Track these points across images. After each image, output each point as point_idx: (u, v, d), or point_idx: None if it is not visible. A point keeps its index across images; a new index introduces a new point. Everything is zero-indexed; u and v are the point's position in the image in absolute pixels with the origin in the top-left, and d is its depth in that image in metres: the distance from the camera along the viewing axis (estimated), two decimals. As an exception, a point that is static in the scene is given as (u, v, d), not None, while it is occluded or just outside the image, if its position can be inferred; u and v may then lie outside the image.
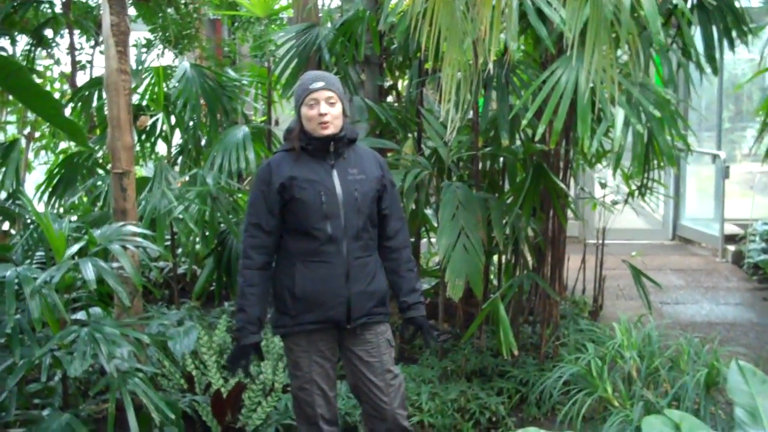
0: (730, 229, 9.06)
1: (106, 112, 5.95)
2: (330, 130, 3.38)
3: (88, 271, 3.38)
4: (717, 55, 4.70)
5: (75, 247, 3.71)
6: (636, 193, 5.65)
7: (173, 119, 5.75)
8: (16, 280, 3.39)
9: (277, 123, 6.65)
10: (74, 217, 6.26)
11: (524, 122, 3.99)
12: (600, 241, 6.33)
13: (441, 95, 3.07)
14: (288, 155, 3.45)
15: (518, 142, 5.13)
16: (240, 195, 5.63)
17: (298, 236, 3.40)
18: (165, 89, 5.71)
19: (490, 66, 3.32)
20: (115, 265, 3.78)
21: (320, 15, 5.78)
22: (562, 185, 4.76)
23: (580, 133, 3.86)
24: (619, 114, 3.93)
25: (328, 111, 3.37)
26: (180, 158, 6.16)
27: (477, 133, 4.85)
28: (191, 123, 5.81)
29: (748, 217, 8.99)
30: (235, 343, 3.50)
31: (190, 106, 5.52)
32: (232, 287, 5.59)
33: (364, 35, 5.00)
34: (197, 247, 5.56)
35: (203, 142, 6.09)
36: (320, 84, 3.40)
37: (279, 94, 6.17)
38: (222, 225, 5.53)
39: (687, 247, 9.73)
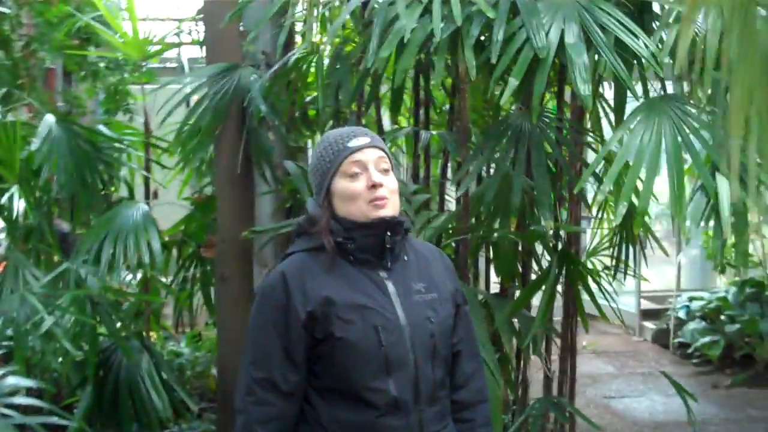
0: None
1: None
2: (389, 211, 2.05)
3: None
4: None
5: None
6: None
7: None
8: None
9: (155, 196, 5.14)
10: None
11: (600, 197, 2.80)
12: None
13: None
14: (312, 260, 2.08)
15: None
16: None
17: (339, 402, 2.02)
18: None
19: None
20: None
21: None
22: (593, 278, 3.59)
23: (674, 213, 2.74)
24: (722, 185, 2.82)
25: (384, 183, 2.05)
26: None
27: (467, 211, 3.62)
28: (47, 198, 4.26)
29: (662, 288, 8.29)
30: None
31: (59, 175, 3.97)
32: (122, 426, 4.01)
33: (321, 77, 3.65)
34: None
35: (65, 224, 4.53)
36: (365, 140, 2.08)
37: (171, 156, 4.72)
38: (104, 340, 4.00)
39: (593, 323, 8.84)
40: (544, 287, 3.42)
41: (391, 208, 2.06)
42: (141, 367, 4.00)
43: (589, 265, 3.94)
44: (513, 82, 2.76)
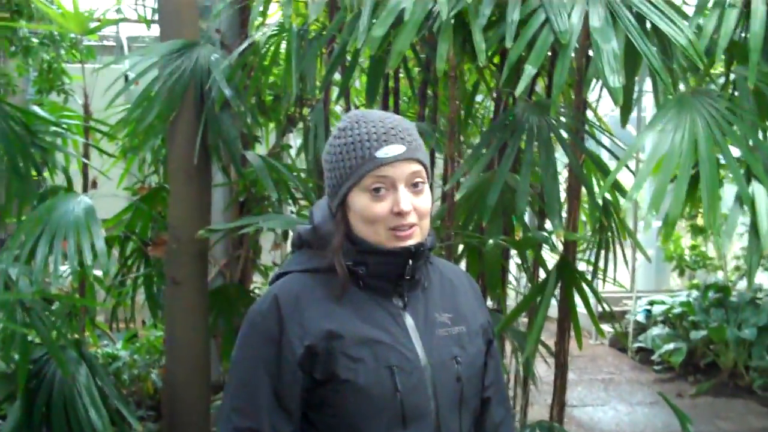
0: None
1: None
2: (414, 240, 1.65)
3: None
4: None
5: None
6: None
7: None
8: None
9: (94, 185, 4.63)
10: None
11: (626, 205, 2.44)
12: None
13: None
14: (313, 282, 1.68)
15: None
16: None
17: (342, 458, 1.63)
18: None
19: None
20: None
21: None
22: (592, 290, 3.25)
23: (709, 220, 2.40)
24: (759, 193, 2.48)
25: (415, 205, 1.63)
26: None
27: (451, 213, 3.23)
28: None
29: (616, 290, 8.03)
30: None
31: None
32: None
33: (296, 60, 3.20)
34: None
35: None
36: (398, 150, 1.61)
37: (111, 141, 4.26)
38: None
39: (546, 326, 8.60)
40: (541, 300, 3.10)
41: (419, 235, 1.65)
42: (78, 380, 3.54)
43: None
44: (530, 70, 2.38)
